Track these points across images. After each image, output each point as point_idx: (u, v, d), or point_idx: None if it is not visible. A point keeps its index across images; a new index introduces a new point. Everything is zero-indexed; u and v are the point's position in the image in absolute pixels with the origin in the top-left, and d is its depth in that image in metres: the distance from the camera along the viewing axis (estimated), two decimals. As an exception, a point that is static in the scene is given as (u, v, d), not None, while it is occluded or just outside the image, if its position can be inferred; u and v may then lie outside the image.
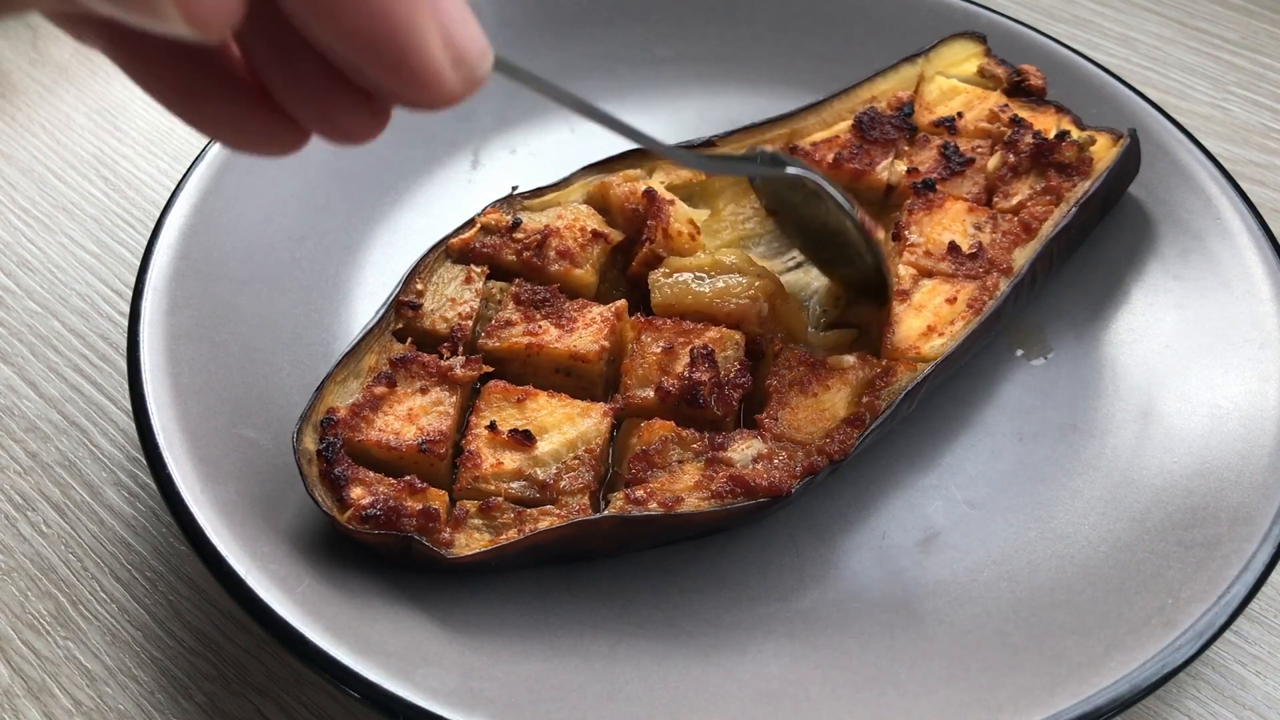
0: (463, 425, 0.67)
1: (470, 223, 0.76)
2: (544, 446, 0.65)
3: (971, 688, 0.59)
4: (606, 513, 0.62)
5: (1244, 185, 0.82)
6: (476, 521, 0.62)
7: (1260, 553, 0.62)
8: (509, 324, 0.70)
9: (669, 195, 0.77)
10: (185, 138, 0.95)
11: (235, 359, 0.70)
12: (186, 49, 0.40)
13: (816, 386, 0.68)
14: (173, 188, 0.77)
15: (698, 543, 0.66)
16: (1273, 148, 0.97)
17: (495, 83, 0.82)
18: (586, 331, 0.70)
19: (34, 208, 0.89)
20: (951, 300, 0.73)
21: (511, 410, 0.66)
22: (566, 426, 0.66)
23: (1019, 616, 0.62)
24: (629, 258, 0.76)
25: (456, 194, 0.85)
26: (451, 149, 0.88)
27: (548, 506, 0.63)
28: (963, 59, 0.87)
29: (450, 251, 0.75)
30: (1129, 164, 0.80)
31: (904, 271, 0.75)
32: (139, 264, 0.72)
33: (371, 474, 0.63)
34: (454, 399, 0.67)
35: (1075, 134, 0.80)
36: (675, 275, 0.73)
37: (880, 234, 0.71)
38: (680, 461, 0.65)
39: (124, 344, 0.72)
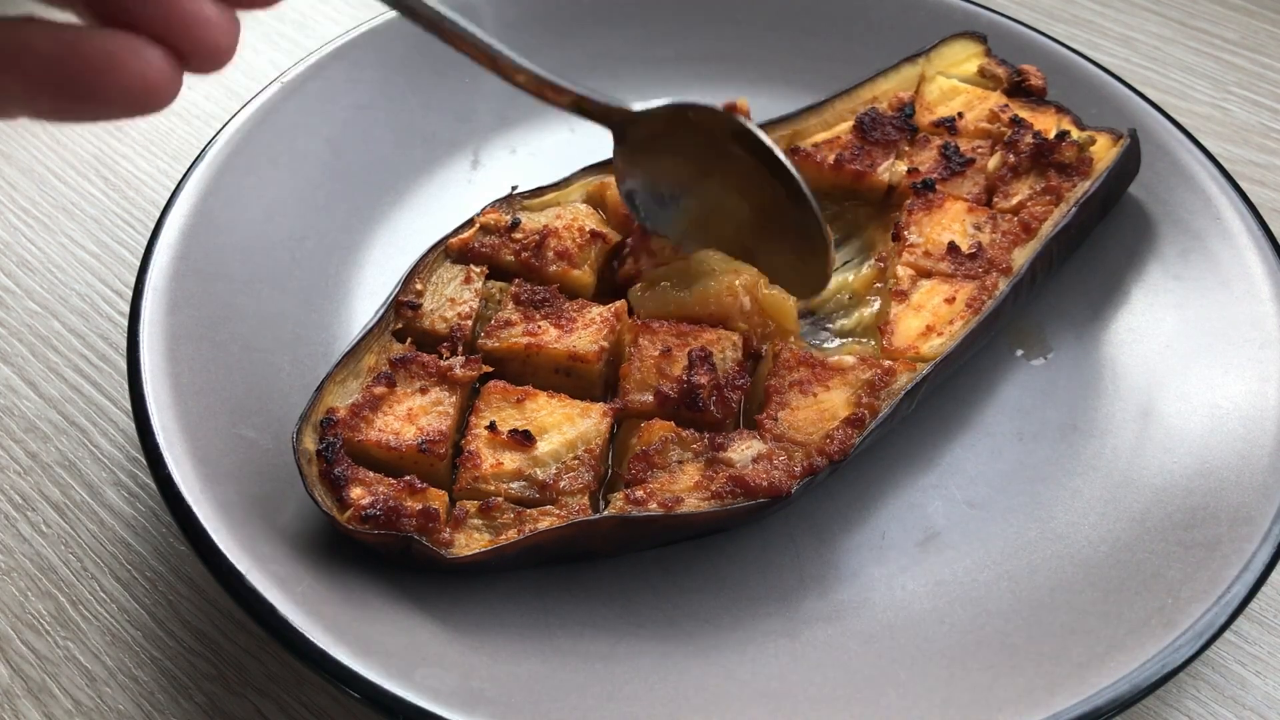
0: (462, 425, 0.67)
1: (469, 222, 0.76)
2: (543, 447, 0.65)
3: (971, 688, 0.59)
4: (606, 513, 0.62)
5: (1244, 185, 0.82)
6: (476, 521, 0.62)
7: (1260, 553, 0.62)
8: (508, 324, 0.70)
9: None
10: (185, 138, 0.95)
11: (235, 359, 0.70)
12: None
13: (816, 387, 0.68)
14: (173, 188, 0.77)
15: (698, 543, 0.66)
16: (1273, 148, 0.97)
17: (495, 83, 0.82)
18: (586, 332, 0.70)
19: (34, 208, 0.89)
20: (950, 300, 0.73)
21: (511, 410, 0.66)
22: (566, 426, 0.66)
23: (1019, 616, 0.62)
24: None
25: (456, 194, 0.85)
26: (451, 149, 0.88)
27: (547, 507, 0.63)
28: (963, 59, 0.87)
29: (449, 251, 0.75)
30: (1129, 164, 0.80)
31: (903, 272, 0.75)
32: (139, 264, 0.72)
33: (371, 474, 0.63)
34: (454, 399, 0.67)
35: (1075, 134, 0.80)
36: (654, 287, 0.73)
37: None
38: (680, 462, 0.65)
39: (124, 344, 0.72)
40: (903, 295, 0.73)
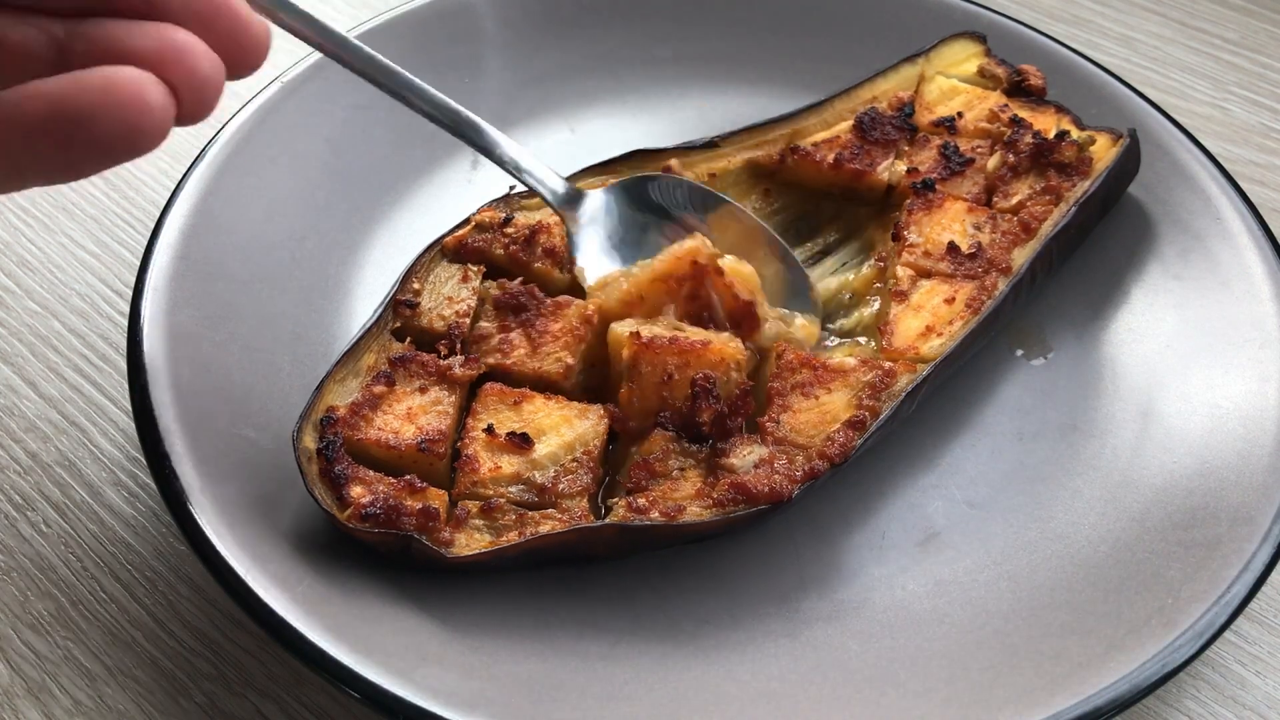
0: (461, 424, 0.67)
1: (465, 221, 0.76)
2: (542, 449, 0.65)
3: (971, 688, 0.59)
4: (608, 521, 0.62)
5: (1244, 185, 0.82)
6: (477, 522, 0.62)
7: (1260, 553, 0.62)
8: (485, 337, 0.70)
9: None
10: (185, 138, 0.95)
11: (235, 359, 0.70)
12: None
13: (818, 389, 0.68)
14: (173, 188, 0.77)
15: (698, 544, 0.66)
16: (1273, 148, 0.97)
17: (496, 83, 0.81)
18: (555, 345, 0.69)
19: (34, 208, 0.89)
20: (950, 300, 0.73)
21: (508, 413, 0.66)
22: (564, 428, 0.66)
23: (1019, 616, 0.62)
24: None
25: (456, 194, 0.85)
26: (451, 149, 0.88)
27: (549, 510, 0.63)
28: (963, 59, 0.87)
29: (446, 250, 0.75)
30: (1129, 164, 0.80)
31: (903, 272, 0.75)
32: (139, 264, 0.72)
33: (371, 473, 0.63)
34: (453, 398, 0.67)
35: (1075, 134, 0.80)
36: (606, 285, 0.72)
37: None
38: (681, 469, 0.65)
39: (124, 344, 0.72)
40: (903, 295, 0.73)
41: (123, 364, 0.77)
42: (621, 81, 0.94)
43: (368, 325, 0.69)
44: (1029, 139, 0.80)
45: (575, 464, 0.65)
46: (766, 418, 0.67)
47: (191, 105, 0.48)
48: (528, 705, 0.57)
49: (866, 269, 0.78)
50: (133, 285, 0.71)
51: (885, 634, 0.62)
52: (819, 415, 0.67)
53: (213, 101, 0.50)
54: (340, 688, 0.56)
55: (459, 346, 0.69)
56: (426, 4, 0.92)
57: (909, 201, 0.78)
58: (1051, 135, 0.80)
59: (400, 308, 0.71)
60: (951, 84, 0.86)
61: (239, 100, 0.96)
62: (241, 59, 0.51)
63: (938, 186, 0.79)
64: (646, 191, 0.75)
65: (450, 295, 0.72)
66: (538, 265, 0.74)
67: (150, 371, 0.66)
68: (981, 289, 0.73)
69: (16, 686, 0.63)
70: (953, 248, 0.75)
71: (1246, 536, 0.63)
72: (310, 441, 0.64)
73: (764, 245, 0.75)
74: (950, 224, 0.77)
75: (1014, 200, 0.78)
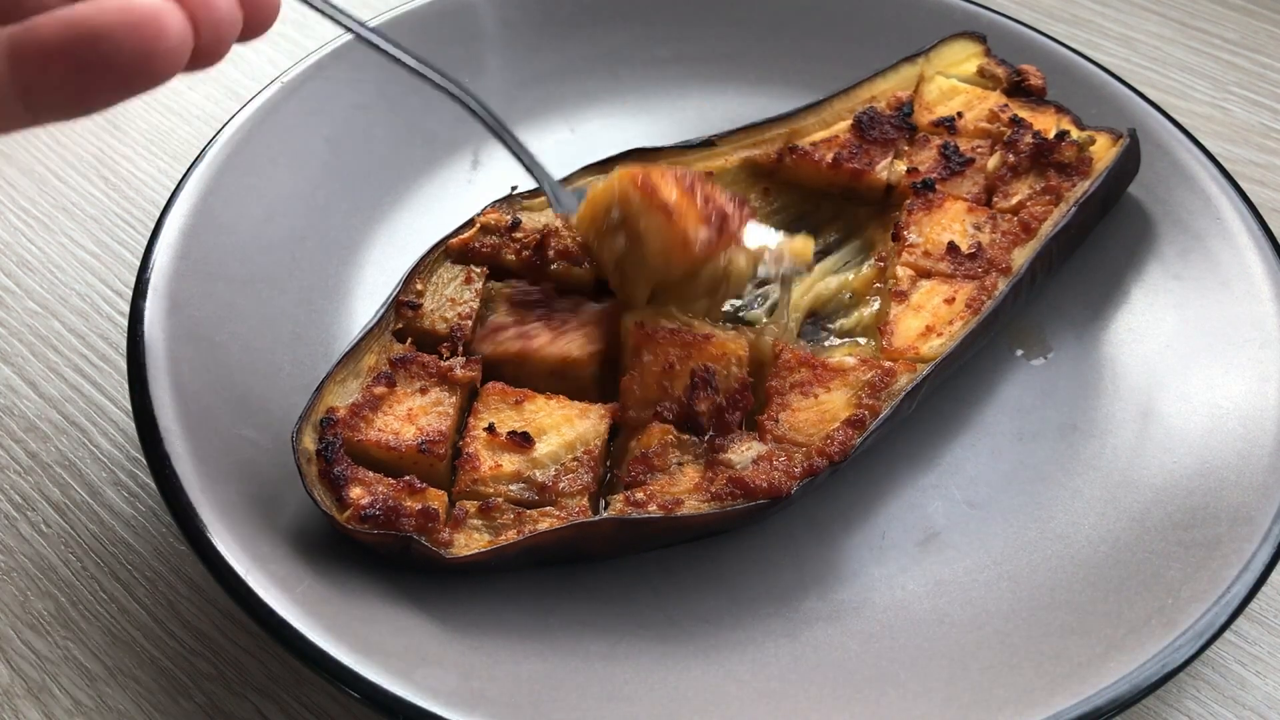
0: (462, 426, 0.67)
1: (470, 223, 0.76)
2: (542, 448, 0.65)
3: (971, 688, 0.59)
4: (606, 515, 0.62)
5: (1244, 185, 0.82)
6: (476, 522, 0.62)
7: (1260, 553, 0.62)
8: (501, 328, 0.70)
9: None
10: (185, 138, 0.95)
11: (235, 359, 0.70)
12: None
13: (817, 388, 0.68)
14: (173, 188, 0.77)
15: (698, 543, 0.66)
16: (1273, 148, 0.97)
17: (496, 83, 0.82)
18: (578, 334, 0.70)
19: (34, 208, 0.89)
20: (950, 300, 0.73)
21: (510, 412, 0.66)
22: (565, 428, 0.66)
23: (1019, 616, 0.62)
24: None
25: (456, 194, 0.85)
26: (451, 149, 0.88)
27: (547, 508, 0.63)
28: (963, 59, 0.87)
29: (450, 251, 0.75)
30: (1129, 164, 0.80)
31: (902, 272, 0.75)
32: (139, 264, 0.72)
33: (371, 474, 0.63)
34: (454, 399, 0.67)
35: (1075, 134, 0.80)
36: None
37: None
38: (680, 464, 0.65)
39: (124, 344, 0.72)
40: (902, 295, 0.73)
41: (123, 364, 0.77)
42: (621, 81, 0.94)
43: (369, 326, 0.69)
44: (1029, 139, 0.80)
45: (576, 463, 0.65)
46: (765, 416, 0.67)
47: (207, 44, 0.48)
48: (528, 705, 0.57)
49: (866, 269, 0.78)
50: (133, 285, 0.71)
51: (885, 634, 0.62)
52: (818, 414, 0.67)
53: (226, 46, 0.50)
54: (340, 688, 0.56)
55: (460, 348, 0.69)
56: (426, 4, 0.92)
57: (909, 201, 0.78)
58: (1051, 135, 0.80)
59: (402, 309, 0.71)
60: (951, 84, 0.86)
61: (239, 100, 0.96)
62: (253, 16, 0.53)
63: (938, 186, 0.79)
64: None
65: (453, 296, 0.72)
66: (554, 268, 0.74)
67: (150, 371, 0.66)
68: (981, 289, 0.73)
69: (16, 686, 0.63)
70: (953, 248, 0.75)
71: (1246, 536, 0.63)
72: (310, 442, 0.64)
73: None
74: (950, 224, 0.77)
75: (1014, 200, 0.78)
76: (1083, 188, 0.78)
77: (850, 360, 0.70)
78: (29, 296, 0.83)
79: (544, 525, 0.61)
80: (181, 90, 0.99)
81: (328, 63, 0.88)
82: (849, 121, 0.83)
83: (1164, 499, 0.67)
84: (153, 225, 0.75)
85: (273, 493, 0.64)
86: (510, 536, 0.61)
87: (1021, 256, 0.75)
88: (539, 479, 0.64)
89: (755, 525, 0.67)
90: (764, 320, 0.75)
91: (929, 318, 0.72)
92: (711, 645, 0.62)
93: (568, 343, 0.69)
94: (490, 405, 0.67)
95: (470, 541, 0.61)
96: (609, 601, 0.63)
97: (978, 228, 0.76)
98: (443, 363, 0.68)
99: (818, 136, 0.83)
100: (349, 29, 0.63)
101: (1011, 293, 0.73)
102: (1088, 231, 0.81)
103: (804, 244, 0.72)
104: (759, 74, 0.94)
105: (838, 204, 0.82)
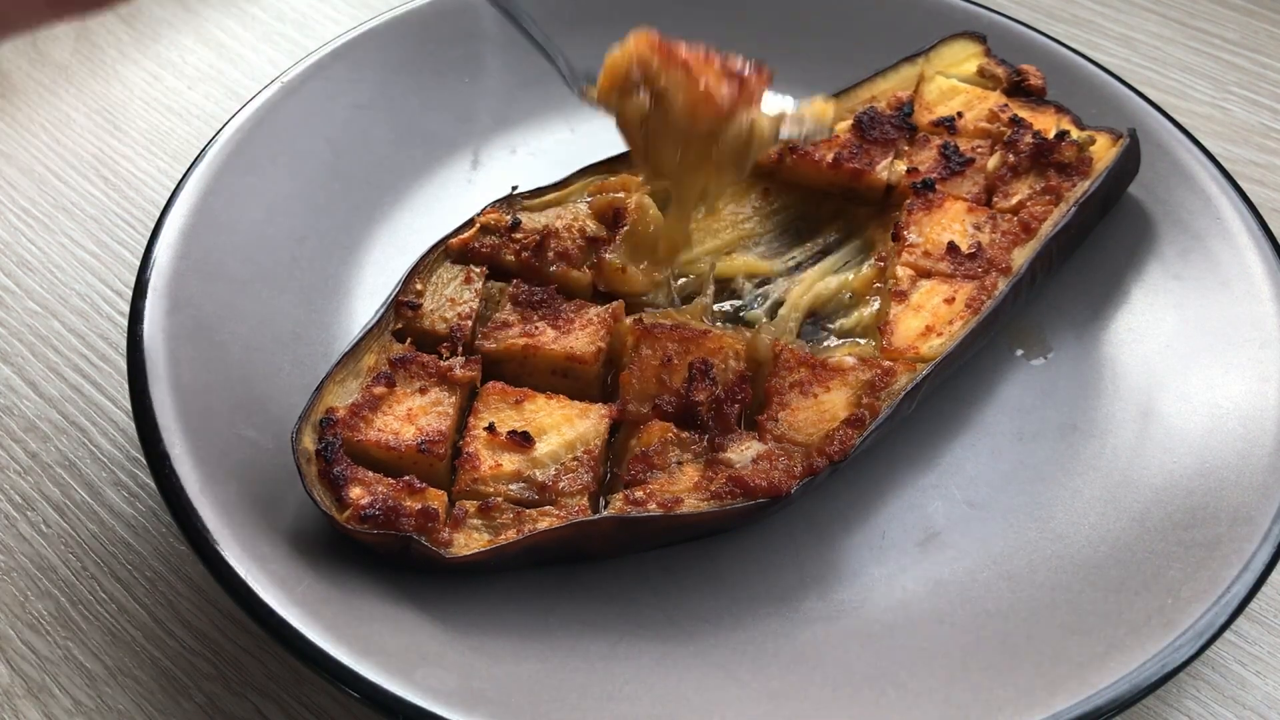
0: (462, 425, 0.67)
1: (470, 223, 0.76)
2: (542, 448, 0.65)
3: (971, 688, 0.59)
4: (606, 513, 0.62)
5: (1244, 185, 0.82)
6: (475, 521, 0.62)
7: (1260, 552, 0.62)
8: (506, 325, 0.70)
9: (630, 221, 0.75)
10: (185, 138, 0.95)
11: (235, 359, 0.70)
12: None
13: (816, 388, 0.68)
14: (173, 188, 0.77)
15: (698, 543, 0.66)
16: (1273, 148, 0.97)
17: (496, 82, 0.82)
18: (583, 332, 0.70)
19: (34, 208, 0.89)
20: (950, 300, 0.73)
21: (510, 412, 0.66)
22: (565, 428, 0.66)
23: (1019, 616, 0.62)
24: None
25: (456, 194, 0.85)
26: (451, 149, 0.88)
27: (547, 507, 0.63)
28: (962, 59, 0.87)
29: (449, 252, 0.75)
30: (1128, 164, 0.80)
31: (902, 272, 0.75)
32: (139, 264, 0.72)
33: (371, 474, 0.63)
34: (453, 399, 0.67)
35: (1075, 134, 0.80)
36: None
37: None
38: (679, 463, 0.65)
39: (124, 344, 0.72)
40: (902, 295, 0.73)
41: (123, 364, 0.77)
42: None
43: (368, 326, 0.69)
44: (1029, 139, 0.80)
45: (575, 463, 0.65)
46: (765, 416, 0.67)
47: None
48: (528, 705, 0.57)
49: (866, 269, 0.78)
50: (133, 285, 0.71)
51: (885, 634, 0.62)
52: (818, 414, 0.67)
53: None
54: (340, 688, 0.56)
55: (460, 348, 0.69)
56: (426, 4, 0.92)
57: (909, 201, 0.78)
58: (1051, 135, 0.80)
59: (402, 309, 0.71)
60: (951, 84, 0.86)
61: (239, 100, 0.96)
62: None
63: (938, 186, 0.79)
64: None
65: (453, 296, 0.72)
66: (553, 269, 0.74)
67: (150, 371, 0.66)
68: (981, 289, 0.73)
69: (16, 686, 0.63)
70: (953, 248, 0.75)
71: (1246, 536, 0.63)
72: (309, 442, 0.64)
73: None
74: (950, 224, 0.77)
75: (1014, 200, 0.78)
76: (1083, 188, 0.78)
77: (850, 360, 0.70)
78: (29, 296, 0.83)
79: (544, 525, 0.61)
80: (181, 90, 0.99)
81: (328, 63, 0.88)
82: (849, 122, 0.83)
83: (1164, 499, 0.67)
84: (153, 225, 0.75)
85: (273, 493, 0.64)
86: (510, 536, 0.61)
87: (1021, 256, 0.75)
88: (539, 479, 0.64)
89: (755, 525, 0.67)
90: (763, 320, 0.75)
91: (929, 317, 0.72)
92: (711, 645, 0.62)
93: (573, 340, 0.69)
94: (490, 405, 0.67)
95: (470, 541, 0.61)
96: (609, 601, 0.63)
97: (978, 228, 0.76)
98: (442, 363, 0.68)
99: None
100: None
101: (1011, 292, 0.73)
102: (1088, 231, 0.81)
103: (824, 106, 0.71)
104: (759, 74, 0.94)
105: (838, 204, 0.82)
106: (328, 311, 0.76)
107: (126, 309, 0.80)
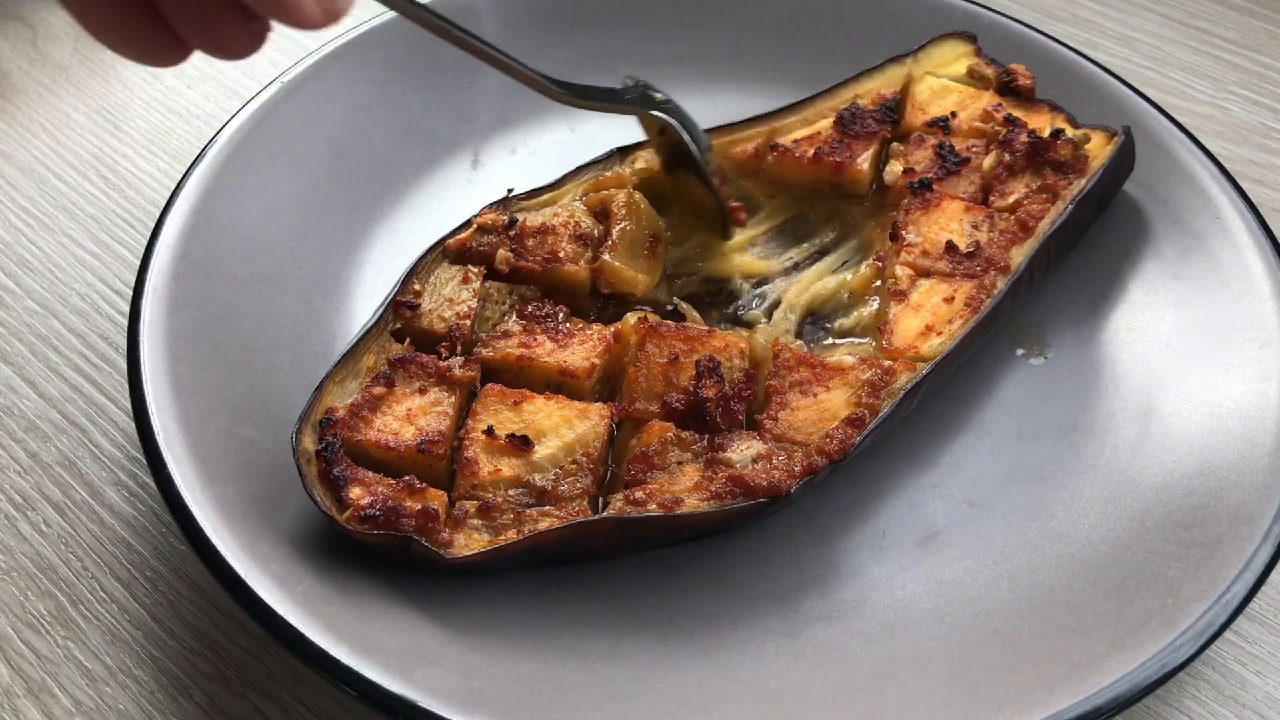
0: (461, 425, 0.67)
1: (467, 224, 0.76)
2: (542, 451, 0.65)
3: (971, 688, 0.59)
4: (606, 514, 0.62)
5: (1244, 185, 0.82)
6: (476, 522, 0.62)
7: (1260, 552, 0.62)
8: (506, 335, 0.70)
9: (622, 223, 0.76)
10: (185, 138, 0.95)
11: (235, 359, 0.70)
12: None
13: (816, 387, 0.68)
14: (173, 188, 0.77)
15: (698, 543, 0.66)
16: (1273, 148, 0.97)
17: (496, 82, 0.82)
18: (581, 348, 0.70)
19: (34, 208, 0.89)
20: (949, 299, 0.73)
21: (509, 413, 0.66)
22: (564, 429, 0.66)
23: (1019, 616, 0.62)
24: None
25: (456, 194, 0.85)
26: (451, 149, 0.88)
27: (547, 508, 0.63)
28: (952, 59, 0.87)
29: (447, 252, 0.75)
30: (1124, 161, 0.80)
31: (901, 272, 0.75)
32: (139, 264, 0.72)
33: (370, 474, 0.63)
34: (452, 399, 0.67)
35: (1070, 132, 0.80)
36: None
37: (718, 182, 0.79)
38: (679, 463, 0.65)
39: (124, 344, 0.72)
40: (901, 295, 0.73)
41: (123, 364, 0.77)
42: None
43: (367, 326, 0.69)
44: (1024, 138, 0.80)
45: (575, 466, 0.65)
46: (765, 415, 0.67)
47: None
48: (528, 705, 0.57)
49: (865, 269, 0.78)
50: (133, 285, 0.71)
51: (885, 634, 0.62)
52: (818, 413, 0.67)
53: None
54: (340, 687, 0.56)
55: (459, 348, 0.69)
56: (426, 4, 0.92)
57: (906, 201, 0.78)
58: (1046, 134, 0.80)
59: (401, 309, 0.71)
60: (943, 84, 0.86)
61: (239, 100, 0.96)
62: None
63: (934, 186, 0.79)
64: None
65: (451, 296, 0.72)
66: (548, 267, 0.74)
67: (150, 371, 0.66)
68: (980, 288, 0.73)
69: (16, 686, 0.63)
70: (951, 247, 0.75)
71: (1246, 536, 0.63)
72: (309, 443, 0.64)
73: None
74: (948, 223, 0.77)
75: (1011, 199, 0.78)
76: (1079, 185, 0.78)
77: (850, 359, 0.70)
78: (29, 296, 0.83)
79: (544, 525, 0.61)
80: (181, 90, 0.99)
81: (328, 63, 0.88)
82: (831, 119, 0.83)
83: (1164, 499, 0.67)
84: (153, 225, 0.75)
85: (273, 493, 0.64)
86: (510, 536, 0.61)
87: (1020, 255, 0.75)
88: (538, 483, 0.64)
89: (755, 524, 0.67)
90: (762, 321, 0.75)
91: (928, 317, 0.72)
92: (711, 645, 0.62)
93: (568, 354, 0.69)
94: (489, 406, 0.67)
95: (470, 541, 0.61)
96: (609, 601, 0.63)
97: (975, 227, 0.76)
98: (441, 363, 0.68)
99: (800, 134, 0.83)
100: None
101: (1010, 291, 0.73)
102: (1085, 229, 0.81)
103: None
104: (759, 74, 0.94)
105: (831, 203, 0.82)
106: (328, 311, 0.76)
107: (126, 309, 0.80)
